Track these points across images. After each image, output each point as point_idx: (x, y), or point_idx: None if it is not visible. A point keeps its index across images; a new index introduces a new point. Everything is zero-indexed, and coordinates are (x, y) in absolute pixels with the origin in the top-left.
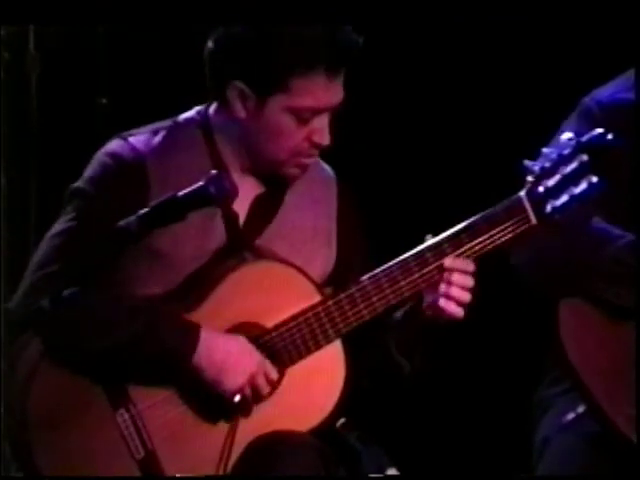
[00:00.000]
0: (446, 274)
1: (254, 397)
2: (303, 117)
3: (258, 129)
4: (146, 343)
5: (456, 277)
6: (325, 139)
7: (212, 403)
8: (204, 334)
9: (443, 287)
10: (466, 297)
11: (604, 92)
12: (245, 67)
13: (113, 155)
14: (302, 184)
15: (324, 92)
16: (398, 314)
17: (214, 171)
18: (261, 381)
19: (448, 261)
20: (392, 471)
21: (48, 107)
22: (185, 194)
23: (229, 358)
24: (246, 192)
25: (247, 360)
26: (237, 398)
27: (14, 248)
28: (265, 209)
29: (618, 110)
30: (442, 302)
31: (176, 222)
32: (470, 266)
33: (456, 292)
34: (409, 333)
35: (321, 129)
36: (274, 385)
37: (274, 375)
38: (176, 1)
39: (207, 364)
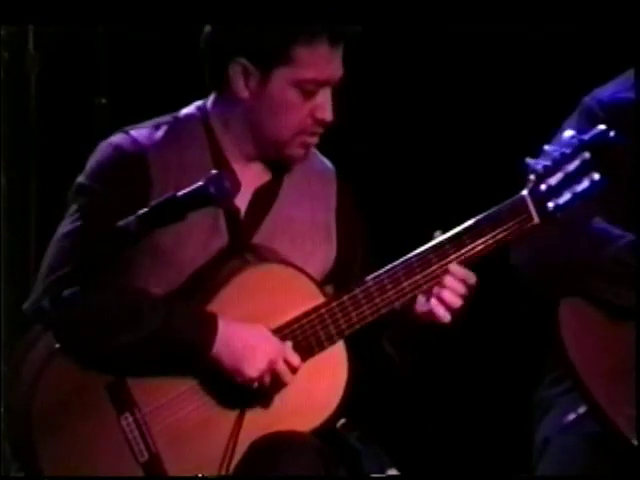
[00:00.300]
0: (443, 277)
1: (276, 384)
2: (307, 89)
3: (261, 107)
4: (165, 336)
5: (450, 281)
6: (328, 114)
7: (218, 401)
8: (222, 323)
9: (436, 289)
10: (457, 303)
11: (605, 91)
12: (248, 42)
13: (115, 147)
14: (301, 177)
15: (327, 63)
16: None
17: (214, 171)
18: (282, 367)
19: (452, 267)
20: (392, 471)
21: (47, 107)
22: (185, 194)
23: (248, 345)
24: (247, 184)
25: (266, 346)
26: (255, 385)
27: (14, 248)
28: (265, 201)
29: (619, 109)
30: (433, 303)
31: (176, 222)
32: (470, 278)
33: (448, 296)
34: (400, 329)
35: (324, 103)
36: (296, 371)
37: (295, 360)
38: (176, 1)
39: (226, 353)
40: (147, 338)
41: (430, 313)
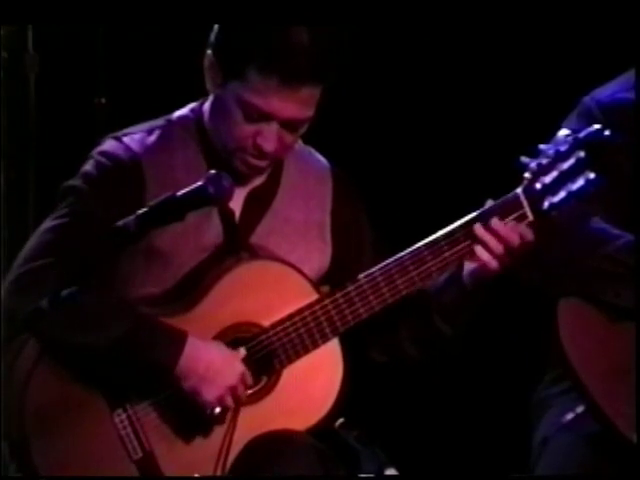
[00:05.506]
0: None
1: (233, 406)
2: (250, 115)
3: (217, 109)
4: (131, 349)
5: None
6: (267, 145)
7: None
8: (189, 344)
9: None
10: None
11: (604, 92)
12: (216, 41)
13: (109, 155)
14: (297, 177)
15: (277, 99)
16: (440, 280)
17: (213, 171)
18: (241, 392)
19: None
20: (391, 471)
21: (47, 107)
22: (184, 194)
23: (210, 369)
24: (242, 185)
25: (228, 372)
26: (217, 410)
27: (14, 248)
28: (259, 203)
29: (618, 110)
30: (478, 250)
31: (175, 222)
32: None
33: (494, 243)
34: (451, 299)
35: (267, 133)
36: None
37: (250, 381)
38: (176, 1)
39: (188, 374)
40: (108, 345)
41: (478, 261)
